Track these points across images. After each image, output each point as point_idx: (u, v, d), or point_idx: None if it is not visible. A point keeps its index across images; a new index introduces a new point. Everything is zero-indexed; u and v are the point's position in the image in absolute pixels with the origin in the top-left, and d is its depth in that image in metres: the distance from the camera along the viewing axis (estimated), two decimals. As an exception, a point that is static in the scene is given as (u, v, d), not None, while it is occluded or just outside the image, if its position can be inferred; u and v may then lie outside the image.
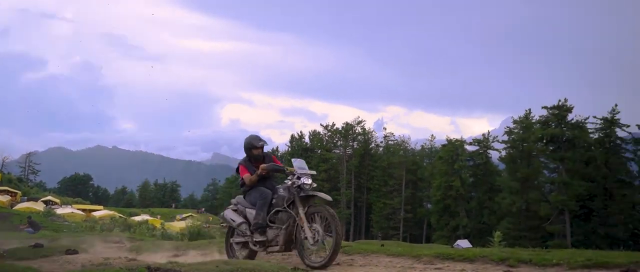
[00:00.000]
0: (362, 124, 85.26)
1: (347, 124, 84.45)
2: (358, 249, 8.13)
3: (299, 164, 7.58)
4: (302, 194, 7.14)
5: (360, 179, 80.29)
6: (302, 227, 6.96)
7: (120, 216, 52.00)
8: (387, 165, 76.93)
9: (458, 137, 70.67)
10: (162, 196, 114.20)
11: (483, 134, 69.39)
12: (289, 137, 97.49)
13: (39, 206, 51.97)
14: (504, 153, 63.75)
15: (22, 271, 7.79)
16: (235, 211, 8.09)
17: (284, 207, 7.26)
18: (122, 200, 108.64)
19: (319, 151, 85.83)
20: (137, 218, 52.73)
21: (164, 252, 9.81)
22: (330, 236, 6.69)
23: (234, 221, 7.96)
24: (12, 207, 51.25)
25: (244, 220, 7.80)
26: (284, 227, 7.19)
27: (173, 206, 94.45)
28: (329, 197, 7.34)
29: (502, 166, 65.68)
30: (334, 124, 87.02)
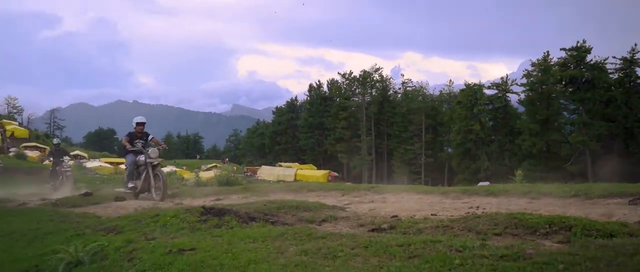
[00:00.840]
0: (380, 71, 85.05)
1: (364, 71, 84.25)
2: (388, 189, 8.72)
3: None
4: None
5: (380, 126, 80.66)
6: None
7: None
8: (406, 111, 77.08)
9: (476, 81, 70.34)
10: (186, 148, 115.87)
11: (501, 78, 68.96)
12: (306, 87, 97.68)
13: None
14: (523, 96, 63.54)
15: (81, 216, 8.53)
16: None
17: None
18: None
19: (337, 99, 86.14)
20: (163, 169, 53.90)
21: (206, 197, 10.46)
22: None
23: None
24: (42, 162, 52.76)
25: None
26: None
27: (197, 157, 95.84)
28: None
29: (521, 109, 65.53)
30: (351, 72, 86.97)
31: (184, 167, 67.45)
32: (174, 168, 59.71)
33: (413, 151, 73.70)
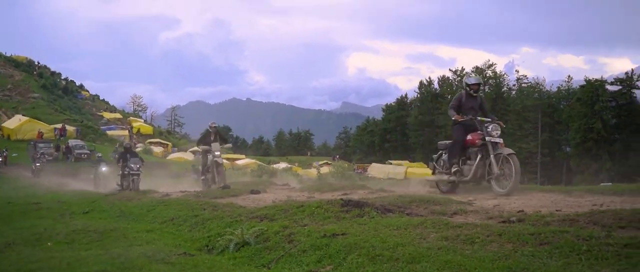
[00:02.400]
0: (493, 67, 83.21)
1: (477, 67, 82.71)
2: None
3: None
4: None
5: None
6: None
7: (260, 164, 55.43)
8: (521, 108, 74.78)
9: (597, 77, 66.91)
10: (297, 145, 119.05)
11: (626, 73, 65.24)
12: (416, 84, 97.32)
13: (189, 156, 56.81)
14: (650, 91, 59.87)
15: (229, 206, 9.64)
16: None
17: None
18: (260, 149, 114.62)
19: (448, 97, 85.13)
20: (278, 166, 56.18)
21: (334, 192, 11.27)
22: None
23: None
24: (165, 157, 56.71)
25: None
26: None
27: (308, 154, 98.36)
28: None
29: (648, 106, 61.70)
30: (463, 69, 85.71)
31: (296, 164, 69.66)
32: (285, 164, 62.03)
33: (529, 149, 71.37)
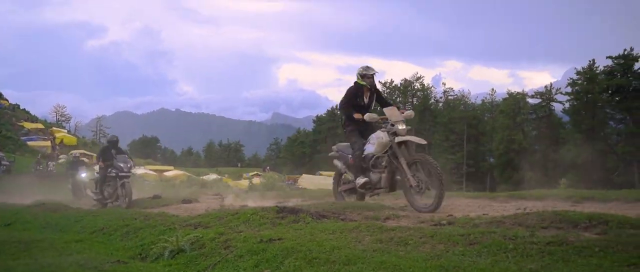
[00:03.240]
0: (421, 80, 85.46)
1: (405, 80, 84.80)
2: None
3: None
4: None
5: (421, 135, 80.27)
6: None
7: (189, 175, 54.55)
8: (447, 120, 77.15)
9: (519, 90, 70.09)
10: (227, 156, 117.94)
11: (545, 86, 68.55)
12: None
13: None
14: (567, 105, 63.02)
15: (161, 215, 9.47)
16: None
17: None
18: (189, 160, 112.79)
19: (378, 108, 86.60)
20: (208, 177, 55.42)
21: (268, 201, 11.29)
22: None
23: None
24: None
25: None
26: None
27: (239, 165, 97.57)
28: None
29: (566, 118, 64.96)
30: (392, 81, 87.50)
31: (226, 175, 68.93)
32: (215, 176, 61.29)
33: (454, 160, 73.62)
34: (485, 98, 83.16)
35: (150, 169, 63.51)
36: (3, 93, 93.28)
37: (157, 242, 6.49)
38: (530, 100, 68.10)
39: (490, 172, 72.21)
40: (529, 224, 4.90)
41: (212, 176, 60.47)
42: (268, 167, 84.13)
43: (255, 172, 72.99)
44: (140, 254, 6.41)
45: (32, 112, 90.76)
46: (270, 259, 4.86)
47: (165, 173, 62.72)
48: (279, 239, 5.35)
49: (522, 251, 3.98)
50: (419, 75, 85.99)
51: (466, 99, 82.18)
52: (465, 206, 7.77)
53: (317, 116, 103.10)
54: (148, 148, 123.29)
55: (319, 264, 4.39)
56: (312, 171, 79.40)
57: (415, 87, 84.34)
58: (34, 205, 15.86)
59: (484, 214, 6.17)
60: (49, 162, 38.43)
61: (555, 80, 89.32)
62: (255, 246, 5.29)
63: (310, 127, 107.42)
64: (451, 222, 5.49)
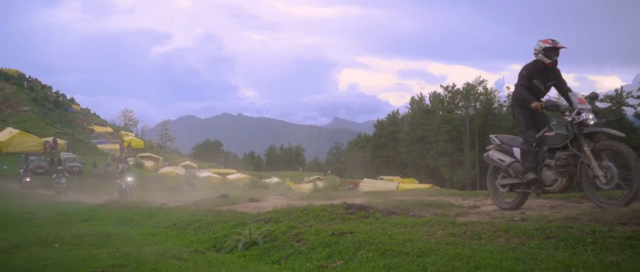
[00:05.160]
0: (484, 83, 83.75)
1: (468, 84, 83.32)
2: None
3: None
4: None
5: (484, 140, 79.10)
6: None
7: (252, 178, 55.40)
8: (511, 125, 75.29)
9: (587, 94, 67.55)
10: (288, 160, 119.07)
11: (616, 90, 65.93)
12: (406, 100, 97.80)
13: (180, 170, 56.74)
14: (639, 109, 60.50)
15: (231, 212, 9.74)
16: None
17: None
18: (251, 164, 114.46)
19: (440, 113, 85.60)
20: (270, 180, 56.20)
21: (334, 201, 11.38)
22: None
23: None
24: (157, 171, 56.57)
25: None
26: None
27: (300, 169, 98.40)
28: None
29: (638, 123, 62.30)
30: (454, 85, 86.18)
31: (288, 179, 69.70)
32: (276, 179, 62.07)
33: (519, 165, 71.77)
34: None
35: (213, 172, 65.02)
36: (75, 98, 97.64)
37: (230, 235, 6.72)
38: (600, 104, 65.55)
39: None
40: (607, 220, 4.79)
41: (274, 179, 61.34)
42: (329, 171, 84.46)
43: (317, 176, 73.52)
44: (214, 247, 6.64)
45: (102, 117, 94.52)
46: (342, 251, 4.96)
47: (229, 176, 64.12)
48: (350, 233, 5.44)
49: (601, 245, 3.92)
50: (481, 78, 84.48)
51: (531, 103, 79.95)
52: (536, 205, 7.63)
53: (377, 120, 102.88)
54: (211, 152, 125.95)
55: (392, 256, 4.44)
56: (373, 176, 79.12)
57: (478, 91, 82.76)
58: (108, 203, 16.60)
59: (557, 213, 6.04)
60: (119, 165, 39.83)
61: (625, 83, 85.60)
62: (327, 238, 5.40)
63: (370, 131, 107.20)
64: (524, 219, 5.43)
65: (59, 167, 32.12)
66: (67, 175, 31.38)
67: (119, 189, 25.02)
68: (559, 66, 7.15)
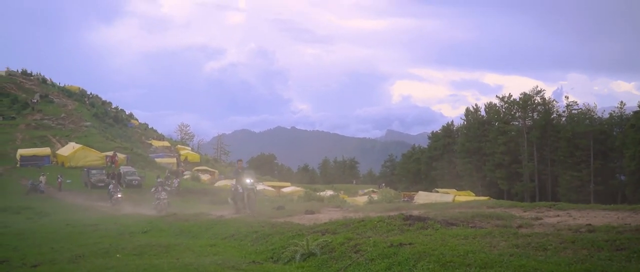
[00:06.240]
0: (542, 93, 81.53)
1: (524, 94, 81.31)
2: (570, 206, 8.98)
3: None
4: None
5: (543, 151, 77.04)
6: None
7: (306, 191, 55.50)
8: (571, 135, 72.89)
9: (651, 103, 64.84)
10: (342, 173, 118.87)
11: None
12: (462, 111, 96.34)
13: (236, 183, 57.26)
14: None
15: (287, 224, 9.77)
16: None
17: None
18: (305, 177, 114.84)
19: (496, 124, 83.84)
20: (324, 193, 56.20)
21: (387, 212, 11.28)
22: None
23: None
24: (213, 184, 57.47)
25: None
26: None
27: (354, 182, 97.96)
28: None
29: None
30: (510, 95, 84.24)
31: (342, 192, 69.55)
32: (331, 192, 62.04)
33: (580, 177, 69.38)
34: (613, 111, 77.79)
35: (268, 185, 65.52)
36: (134, 113, 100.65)
37: (287, 247, 6.73)
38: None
39: (621, 191, 67.25)
40: (682, 232, 4.56)
41: (329, 192, 61.23)
42: (383, 184, 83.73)
43: (371, 189, 72.96)
44: (272, 258, 6.66)
45: (159, 131, 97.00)
46: (402, 263, 4.89)
47: (283, 189, 64.38)
48: (409, 244, 5.36)
49: (678, 257, 3.73)
50: (539, 88, 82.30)
51: (592, 113, 77.28)
52: (603, 217, 7.35)
53: (432, 132, 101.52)
54: (266, 165, 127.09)
55: (454, 268, 4.35)
56: (428, 188, 78.04)
57: (536, 101, 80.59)
58: (167, 215, 16.98)
59: (625, 224, 5.80)
60: (175, 180, 40.52)
61: None
62: (385, 250, 5.34)
63: (425, 143, 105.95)
64: (592, 230, 5.23)
65: (113, 181, 32.64)
66: (122, 188, 31.94)
67: (156, 205, 24.06)
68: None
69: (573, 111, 79.73)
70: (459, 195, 66.51)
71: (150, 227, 13.21)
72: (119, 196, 28.79)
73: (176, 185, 38.84)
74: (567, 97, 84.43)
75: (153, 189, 26.78)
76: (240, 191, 17.42)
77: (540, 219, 7.25)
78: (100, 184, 39.56)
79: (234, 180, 18.90)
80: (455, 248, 4.86)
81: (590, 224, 5.98)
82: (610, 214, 7.81)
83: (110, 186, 30.58)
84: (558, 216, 7.90)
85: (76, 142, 55.19)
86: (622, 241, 4.24)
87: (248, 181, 17.44)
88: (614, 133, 73.64)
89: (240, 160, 19.48)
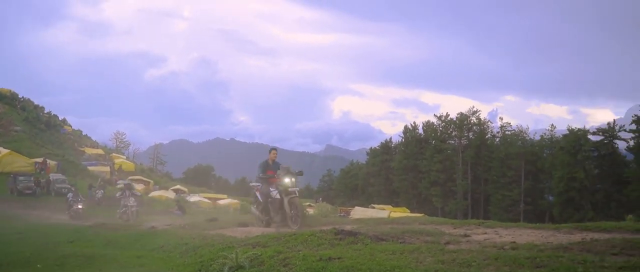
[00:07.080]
0: (477, 114, 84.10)
1: (461, 114, 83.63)
2: (498, 224, 9.20)
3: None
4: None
5: (476, 170, 79.25)
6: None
7: (243, 204, 55.00)
8: (504, 156, 75.35)
9: (580, 126, 67.86)
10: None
11: (608, 123, 66.25)
12: (400, 129, 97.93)
13: (170, 194, 56.06)
14: (632, 143, 60.67)
15: (219, 236, 9.60)
16: None
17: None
18: (242, 189, 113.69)
19: (433, 142, 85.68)
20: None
21: (324, 226, 11.26)
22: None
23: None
24: (147, 195, 56.09)
25: None
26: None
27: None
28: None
29: (630, 156, 62.41)
30: (448, 115, 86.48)
31: (279, 205, 69.13)
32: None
33: (511, 197, 71.72)
34: (544, 134, 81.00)
35: (204, 197, 64.45)
36: (67, 119, 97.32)
37: (216, 259, 6.59)
38: (592, 137, 65.83)
39: (548, 211, 69.85)
40: (598, 250, 4.73)
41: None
42: (320, 198, 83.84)
43: (308, 203, 72.92)
44: (200, 270, 6.52)
45: (94, 138, 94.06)
46: (330, 277, 4.85)
47: (219, 201, 63.51)
48: (338, 258, 5.34)
49: (593, 275, 3.84)
50: (475, 109, 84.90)
51: (524, 135, 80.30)
52: (528, 235, 7.56)
53: (370, 148, 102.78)
54: (202, 176, 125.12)
55: (380, 283, 4.35)
56: (364, 204, 78.70)
57: (472, 122, 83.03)
58: (95, 225, 16.41)
59: (548, 242, 5.97)
60: (99, 191, 38.87)
61: (618, 117, 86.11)
62: (314, 263, 5.30)
63: (363, 159, 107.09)
64: (515, 248, 5.36)
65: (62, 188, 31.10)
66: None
67: (123, 213, 22.59)
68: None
69: (507, 132, 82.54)
70: (395, 211, 67.37)
71: (77, 237, 12.74)
72: (80, 206, 26.82)
73: (100, 196, 37.35)
74: (501, 119, 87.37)
75: (118, 194, 24.82)
76: (276, 196, 12.19)
77: (469, 236, 7.38)
78: (27, 191, 38.00)
79: (259, 179, 13.26)
80: (383, 263, 4.87)
81: (514, 242, 6.13)
82: (535, 232, 8.03)
83: (70, 195, 28.61)
84: (486, 233, 8.06)
85: (4, 147, 52.78)
86: (542, 259, 4.35)
87: (287, 180, 12.27)
88: (544, 155, 76.50)
89: (275, 149, 14.01)
